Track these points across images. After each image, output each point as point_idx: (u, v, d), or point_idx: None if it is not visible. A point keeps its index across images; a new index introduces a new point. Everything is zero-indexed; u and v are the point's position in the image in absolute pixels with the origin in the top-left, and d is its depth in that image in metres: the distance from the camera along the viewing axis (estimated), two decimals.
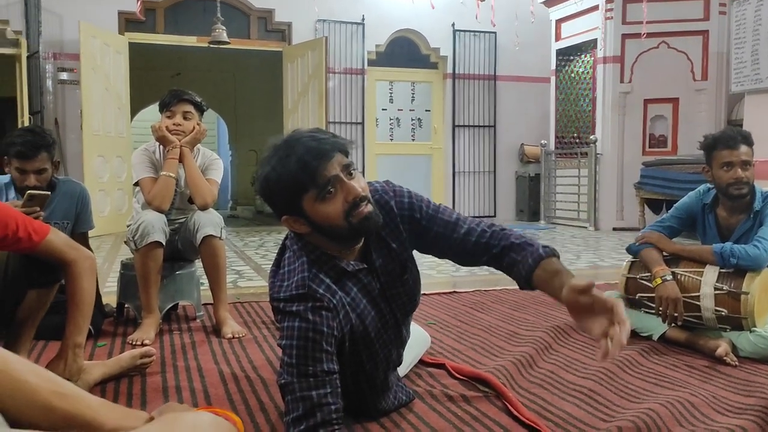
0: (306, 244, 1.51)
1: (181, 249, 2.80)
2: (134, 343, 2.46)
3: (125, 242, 2.66)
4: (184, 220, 2.78)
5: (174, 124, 2.69)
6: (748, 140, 2.46)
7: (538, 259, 1.49)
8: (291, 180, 1.40)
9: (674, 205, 2.66)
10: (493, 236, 1.58)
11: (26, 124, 6.61)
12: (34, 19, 6.80)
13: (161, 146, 2.76)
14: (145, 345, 2.41)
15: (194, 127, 2.73)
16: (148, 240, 2.51)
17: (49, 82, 7.09)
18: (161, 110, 2.76)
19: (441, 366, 2.15)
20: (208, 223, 2.62)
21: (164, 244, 2.57)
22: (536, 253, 1.50)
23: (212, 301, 2.75)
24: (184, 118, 2.72)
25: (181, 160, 2.69)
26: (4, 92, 8.39)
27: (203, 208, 2.67)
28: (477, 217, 8.79)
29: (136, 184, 2.73)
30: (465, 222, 1.62)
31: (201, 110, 2.78)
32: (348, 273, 1.53)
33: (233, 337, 2.57)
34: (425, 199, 1.65)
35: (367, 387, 1.63)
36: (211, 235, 2.61)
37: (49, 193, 2.32)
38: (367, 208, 1.45)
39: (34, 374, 1.10)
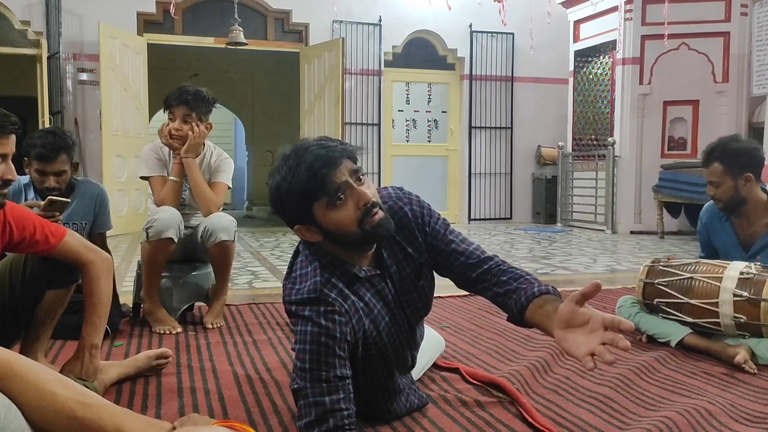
0: (318, 249, 1.51)
1: (195, 250, 2.85)
2: (162, 332, 2.62)
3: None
4: (197, 222, 2.82)
5: (174, 129, 2.73)
6: (723, 157, 2.46)
7: (531, 297, 1.46)
8: (301, 189, 1.40)
9: (696, 236, 2.77)
10: (493, 268, 1.58)
11: (47, 123, 6.68)
12: (55, 20, 6.90)
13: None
14: (176, 332, 2.63)
15: (192, 130, 2.71)
16: (162, 236, 2.56)
17: (69, 83, 7.17)
18: (165, 109, 2.80)
19: (455, 370, 2.14)
20: (221, 229, 2.65)
21: (176, 241, 2.62)
22: (530, 291, 1.47)
23: (228, 302, 2.80)
24: (183, 122, 2.72)
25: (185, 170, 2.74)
26: (25, 92, 8.50)
27: (207, 215, 2.74)
28: (493, 219, 8.81)
29: (144, 178, 2.82)
30: (470, 246, 1.62)
31: (203, 110, 2.76)
32: (360, 279, 1.53)
33: (213, 327, 2.72)
34: (436, 214, 1.67)
35: (379, 391, 1.63)
36: (224, 240, 2.67)
37: (69, 200, 2.36)
38: (379, 214, 1.44)
39: (58, 383, 1.11)
